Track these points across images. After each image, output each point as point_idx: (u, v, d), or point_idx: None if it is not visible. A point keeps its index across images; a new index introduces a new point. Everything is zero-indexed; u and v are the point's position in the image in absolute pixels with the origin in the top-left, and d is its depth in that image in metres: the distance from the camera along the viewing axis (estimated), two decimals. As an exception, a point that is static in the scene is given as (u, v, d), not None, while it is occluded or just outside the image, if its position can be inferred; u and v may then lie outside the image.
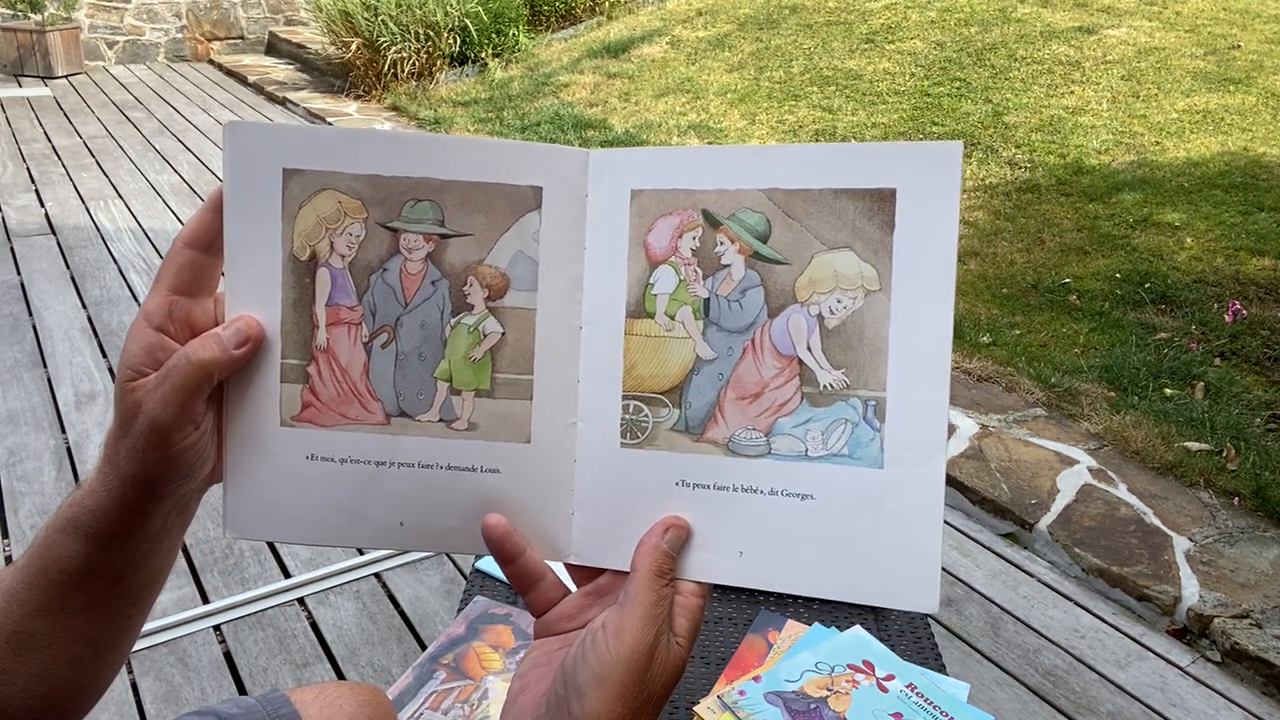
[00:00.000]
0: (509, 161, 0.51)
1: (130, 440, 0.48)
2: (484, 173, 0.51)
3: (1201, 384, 3.10)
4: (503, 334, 0.51)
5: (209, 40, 8.85)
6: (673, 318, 0.52)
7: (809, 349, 0.50)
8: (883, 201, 0.49)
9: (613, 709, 0.45)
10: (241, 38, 9.02)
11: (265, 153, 0.50)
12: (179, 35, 8.71)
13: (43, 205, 4.69)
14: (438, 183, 0.50)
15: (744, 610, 1.25)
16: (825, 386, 0.50)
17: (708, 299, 0.51)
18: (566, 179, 0.52)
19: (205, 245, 0.50)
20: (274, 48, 9.00)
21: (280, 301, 0.51)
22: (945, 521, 2.64)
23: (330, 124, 6.43)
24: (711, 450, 0.51)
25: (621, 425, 0.52)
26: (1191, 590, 2.22)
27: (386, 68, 6.95)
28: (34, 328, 3.39)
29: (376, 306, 0.51)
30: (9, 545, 2.27)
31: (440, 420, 0.52)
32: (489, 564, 1.35)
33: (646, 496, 0.51)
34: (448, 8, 6.97)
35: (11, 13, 7.61)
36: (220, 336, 0.49)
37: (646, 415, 0.52)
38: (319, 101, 7.04)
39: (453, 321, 0.51)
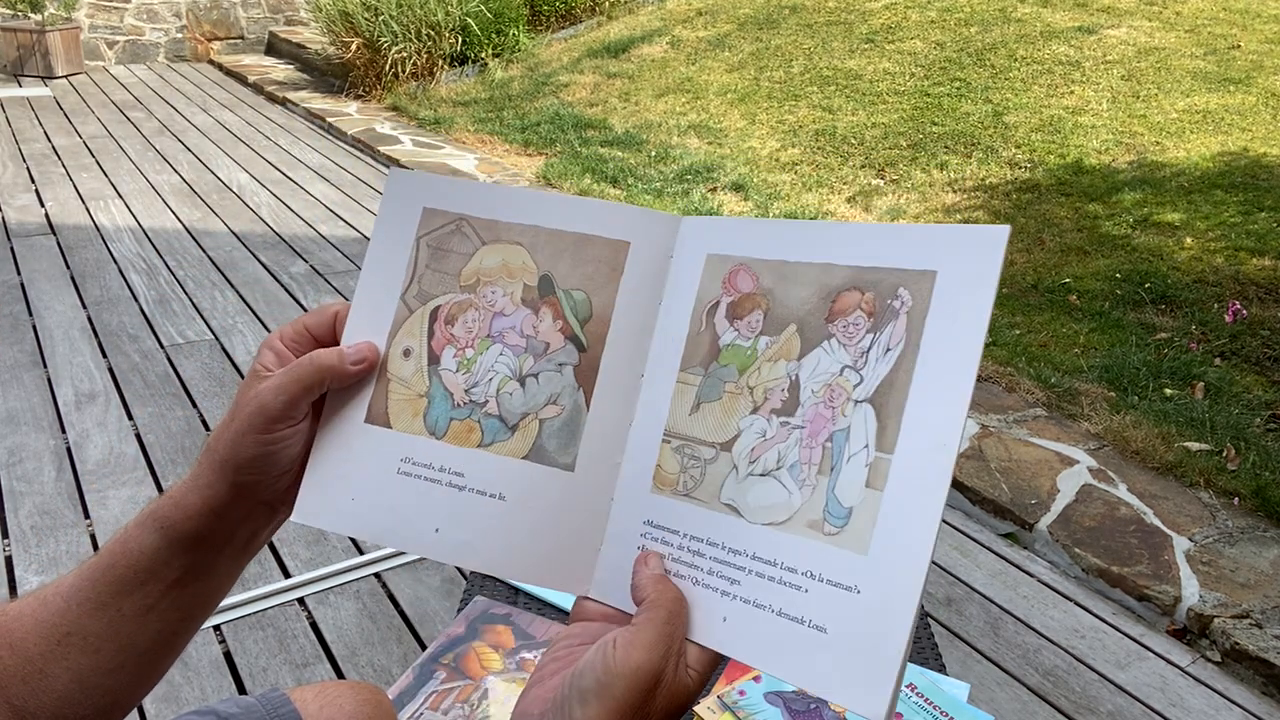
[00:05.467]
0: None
1: (235, 424, 0.54)
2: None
3: (1201, 384, 3.10)
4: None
5: (209, 40, 8.85)
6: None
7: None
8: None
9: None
10: (241, 38, 9.02)
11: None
12: (179, 35, 8.71)
13: (43, 205, 4.69)
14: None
15: (744, 610, 1.24)
16: None
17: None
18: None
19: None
20: (274, 48, 9.00)
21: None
22: (945, 521, 2.63)
23: (330, 124, 6.44)
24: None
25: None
26: (1191, 590, 2.22)
27: (387, 68, 6.95)
28: (34, 328, 3.39)
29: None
30: (9, 545, 2.26)
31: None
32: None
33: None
34: (448, 8, 6.97)
35: (11, 13, 7.61)
36: (343, 351, 0.56)
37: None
38: (319, 101, 7.04)
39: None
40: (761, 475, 0.50)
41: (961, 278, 0.48)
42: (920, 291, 0.48)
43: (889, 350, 0.48)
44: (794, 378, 0.51)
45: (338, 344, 0.58)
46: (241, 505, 0.55)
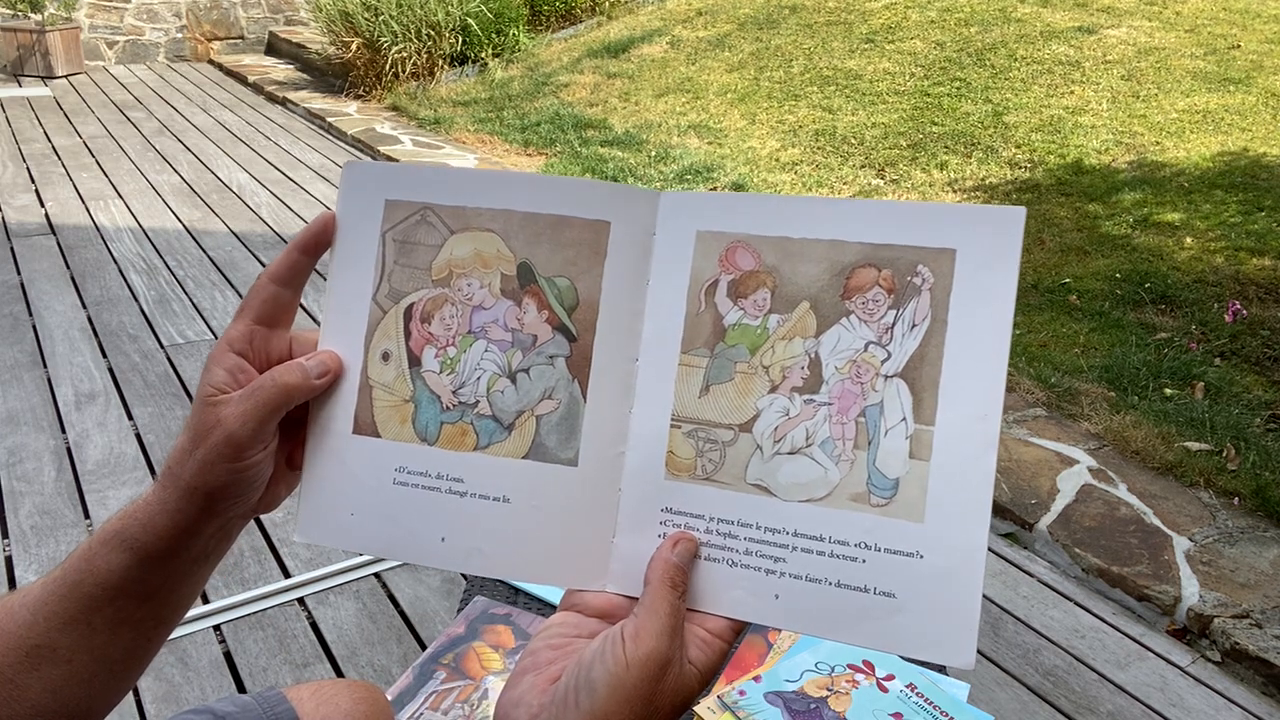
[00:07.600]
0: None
1: (202, 452, 0.51)
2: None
3: (1201, 384, 3.10)
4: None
5: (209, 40, 8.85)
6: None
7: None
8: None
9: (620, 711, 0.45)
10: (241, 38, 9.02)
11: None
12: (179, 35, 8.71)
13: (43, 205, 4.69)
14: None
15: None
16: None
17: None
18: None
19: (288, 282, 0.55)
20: (274, 48, 9.00)
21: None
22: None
23: (330, 124, 6.43)
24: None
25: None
26: (1191, 590, 2.22)
27: (387, 68, 6.95)
28: (34, 328, 3.39)
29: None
30: (9, 545, 2.26)
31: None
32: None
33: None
34: (448, 8, 6.97)
35: (11, 13, 7.61)
36: (304, 366, 0.54)
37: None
38: (319, 101, 7.04)
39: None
40: (790, 453, 0.50)
41: (982, 256, 0.49)
42: (941, 269, 0.49)
43: (915, 326, 0.49)
44: (814, 355, 0.51)
45: (298, 291, 0.56)
46: (214, 523, 0.54)
